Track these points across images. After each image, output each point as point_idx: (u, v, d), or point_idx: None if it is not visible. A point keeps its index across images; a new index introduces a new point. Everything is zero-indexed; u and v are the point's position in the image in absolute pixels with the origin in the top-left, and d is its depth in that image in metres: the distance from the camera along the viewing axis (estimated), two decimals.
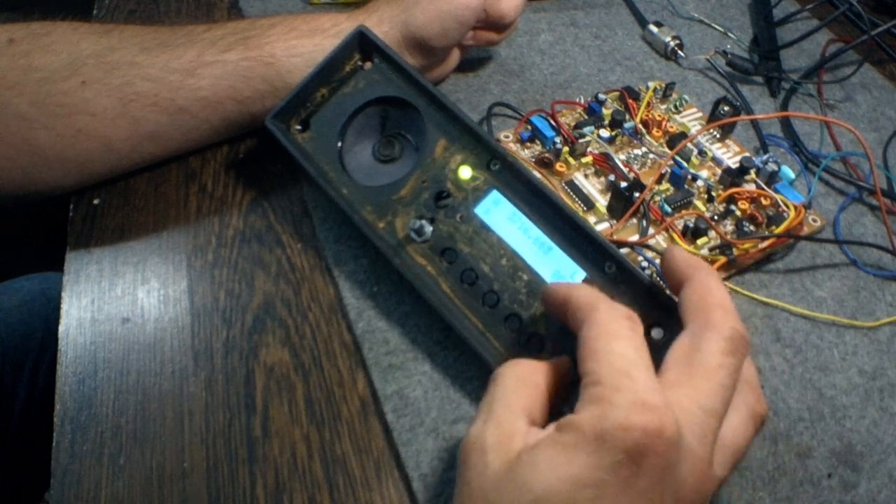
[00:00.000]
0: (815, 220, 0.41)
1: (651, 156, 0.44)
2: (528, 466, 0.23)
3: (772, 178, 0.42)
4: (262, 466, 0.31)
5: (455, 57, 0.47)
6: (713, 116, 0.46)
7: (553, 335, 0.32)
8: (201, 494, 0.30)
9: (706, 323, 0.26)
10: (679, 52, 0.53)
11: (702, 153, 0.44)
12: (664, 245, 0.39)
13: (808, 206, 0.41)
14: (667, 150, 0.44)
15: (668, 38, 0.54)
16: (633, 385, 0.23)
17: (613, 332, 0.25)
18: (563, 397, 0.28)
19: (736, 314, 0.26)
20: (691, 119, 0.48)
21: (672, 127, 0.46)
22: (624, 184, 0.39)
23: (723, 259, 0.38)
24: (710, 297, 0.27)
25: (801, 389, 0.35)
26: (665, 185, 0.42)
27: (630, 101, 0.46)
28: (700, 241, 0.39)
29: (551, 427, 0.24)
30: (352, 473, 0.31)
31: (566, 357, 0.29)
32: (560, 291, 0.28)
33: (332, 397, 0.33)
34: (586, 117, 0.46)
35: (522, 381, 0.27)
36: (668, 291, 0.30)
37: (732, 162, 0.44)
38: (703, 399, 0.24)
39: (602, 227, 0.40)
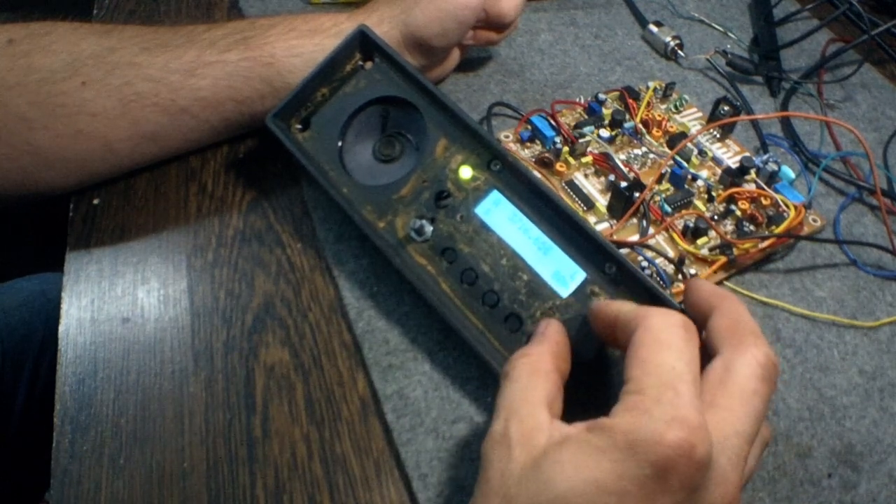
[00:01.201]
0: (815, 220, 0.41)
1: (651, 156, 0.44)
2: (552, 464, 0.23)
3: (772, 178, 0.42)
4: (262, 466, 0.31)
5: (455, 57, 0.47)
6: (713, 116, 0.46)
7: None
8: (201, 494, 0.30)
9: (740, 349, 0.25)
10: (679, 51, 0.53)
11: (702, 153, 0.44)
12: (664, 245, 0.39)
13: (808, 206, 0.41)
14: (667, 149, 0.44)
15: (668, 38, 0.54)
16: (675, 399, 0.23)
17: (665, 342, 0.25)
18: (568, 372, 0.29)
19: (767, 342, 0.26)
20: (691, 119, 0.48)
21: (672, 127, 0.46)
22: (624, 184, 0.39)
23: (723, 259, 0.38)
24: (742, 324, 0.26)
25: (801, 389, 0.35)
26: (665, 185, 0.42)
27: (630, 100, 0.46)
28: (700, 241, 0.39)
29: (581, 425, 0.24)
30: (352, 473, 0.31)
31: (561, 333, 0.29)
32: (610, 305, 0.28)
33: (332, 397, 0.33)
34: (586, 117, 0.46)
35: (536, 372, 0.27)
36: (667, 293, 0.30)
37: (732, 162, 0.44)
38: (739, 424, 0.24)
39: (602, 227, 0.40)
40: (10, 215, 0.46)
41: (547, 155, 0.42)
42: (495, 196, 0.34)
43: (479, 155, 0.35)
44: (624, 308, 0.27)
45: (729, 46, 0.55)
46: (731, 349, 0.26)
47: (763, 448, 0.27)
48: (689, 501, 0.22)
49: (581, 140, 0.43)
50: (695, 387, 0.24)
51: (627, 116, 0.46)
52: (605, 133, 0.44)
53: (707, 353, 0.27)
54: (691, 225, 0.39)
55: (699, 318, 0.28)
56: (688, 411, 0.22)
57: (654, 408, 0.23)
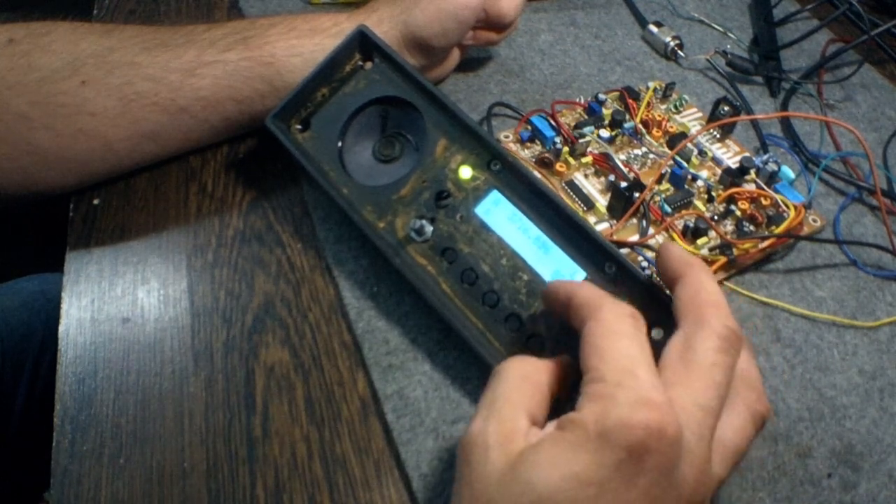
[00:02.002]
0: (815, 220, 0.41)
1: (651, 156, 0.44)
2: (530, 465, 0.23)
3: (772, 178, 0.42)
4: (262, 466, 0.31)
5: (455, 57, 0.47)
6: (713, 116, 0.46)
7: (553, 335, 0.32)
8: (201, 494, 0.30)
9: (699, 321, 0.26)
10: (679, 52, 0.53)
11: (702, 153, 0.44)
12: None
13: (808, 206, 0.41)
14: (667, 150, 0.44)
15: (668, 38, 0.54)
16: (636, 383, 0.23)
17: (617, 331, 0.25)
18: (565, 397, 0.28)
19: (728, 311, 0.26)
20: (691, 119, 0.48)
21: (672, 127, 0.46)
22: (624, 184, 0.39)
23: (723, 259, 0.38)
24: (703, 295, 0.26)
25: (801, 389, 0.35)
26: (665, 185, 0.42)
27: (630, 101, 0.46)
28: (700, 241, 0.39)
29: (552, 425, 0.24)
30: (352, 473, 0.31)
31: (567, 356, 0.29)
32: (563, 288, 0.28)
33: (332, 397, 0.33)
34: (586, 117, 0.46)
35: (526, 378, 0.27)
36: (667, 291, 0.30)
37: (732, 162, 0.44)
38: (700, 397, 0.24)
39: (602, 227, 0.40)
40: (10, 215, 0.46)
41: (547, 155, 0.42)
42: (495, 196, 0.34)
43: (478, 155, 0.35)
44: (579, 292, 0.27)
45: (729, 46, 0.55)
46: (689, 323, 0.26)
47: (757, 425, 0.27)
48: (665, 480, 0.22)
49: (581, 140, 0.43)
50: (650, 369, 0.24)
51: (627, 116, 0.46)
52: (605, 133, 0.44)
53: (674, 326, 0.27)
54: (691, 225, 0.39)
55: (669, 283, 0.28)
56: (648, 392, 0.23)
57: (617, 393, 0.23)
